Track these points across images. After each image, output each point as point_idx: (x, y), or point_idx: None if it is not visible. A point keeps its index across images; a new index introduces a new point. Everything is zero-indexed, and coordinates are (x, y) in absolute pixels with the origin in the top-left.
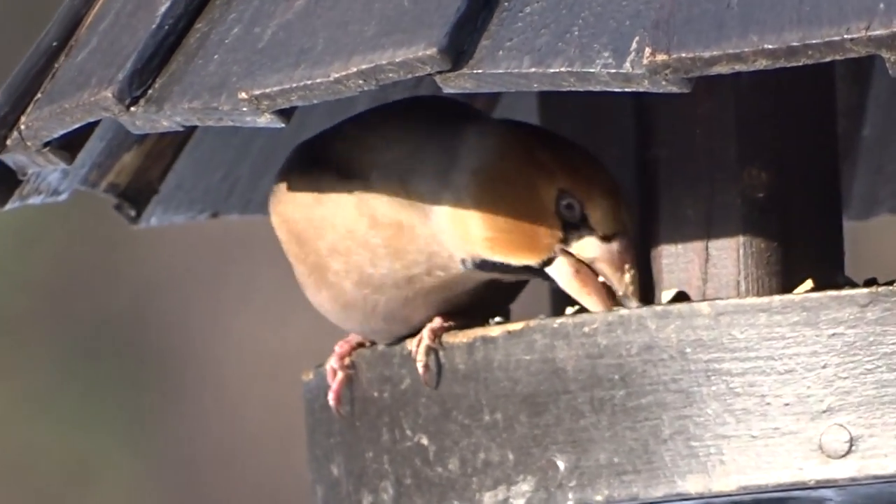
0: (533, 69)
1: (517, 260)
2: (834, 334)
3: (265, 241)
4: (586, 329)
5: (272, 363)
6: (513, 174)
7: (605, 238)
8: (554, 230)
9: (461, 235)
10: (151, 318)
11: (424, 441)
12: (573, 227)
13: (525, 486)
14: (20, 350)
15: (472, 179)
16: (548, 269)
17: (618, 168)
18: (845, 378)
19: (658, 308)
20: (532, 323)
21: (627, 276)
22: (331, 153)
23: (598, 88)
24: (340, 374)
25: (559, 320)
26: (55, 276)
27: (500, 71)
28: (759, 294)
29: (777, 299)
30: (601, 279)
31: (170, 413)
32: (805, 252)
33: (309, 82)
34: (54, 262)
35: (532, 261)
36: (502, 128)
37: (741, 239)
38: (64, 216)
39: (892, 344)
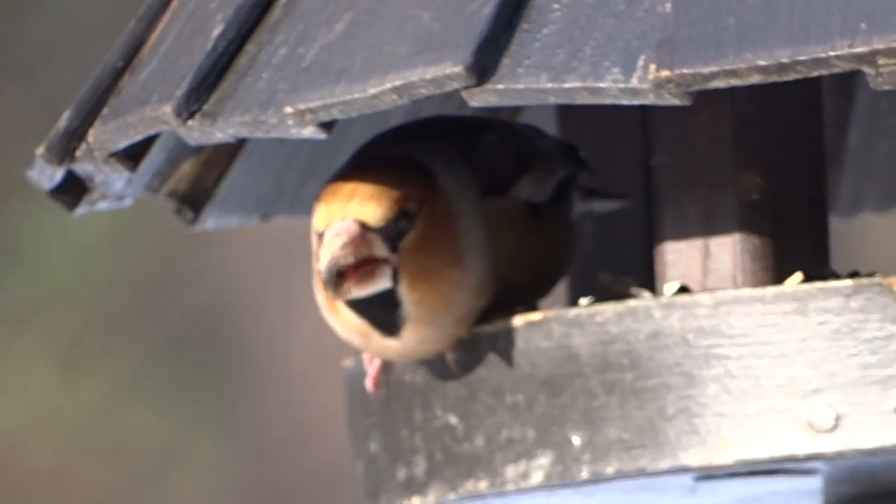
0: (550, 84)
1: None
2: (821, 322)
3: None
4: (599, 318)
5: (338, 352)
6: None
7: (320, 235)
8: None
9: None
10: (230, 312)
11: (453, 420)
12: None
13: (544, 460)
14: (111, 344)
15: None
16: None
17: (626, 173)
18: (832, 361)
19: (663, 299)
20: (550, 313)
21: (324, 253)
22: None
23: (608, 101)
24: (377, 361)
25: (574, 311)
26: (143, 275)
27: (521, 86)
28: (754, 286)
29: (770, 290)
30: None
31: (248, 399)
32: (795, 248)
33: (348, 98)
34: (141, 261)
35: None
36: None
37: (737, 236)
38: (149, 219)
39: (874, 330)
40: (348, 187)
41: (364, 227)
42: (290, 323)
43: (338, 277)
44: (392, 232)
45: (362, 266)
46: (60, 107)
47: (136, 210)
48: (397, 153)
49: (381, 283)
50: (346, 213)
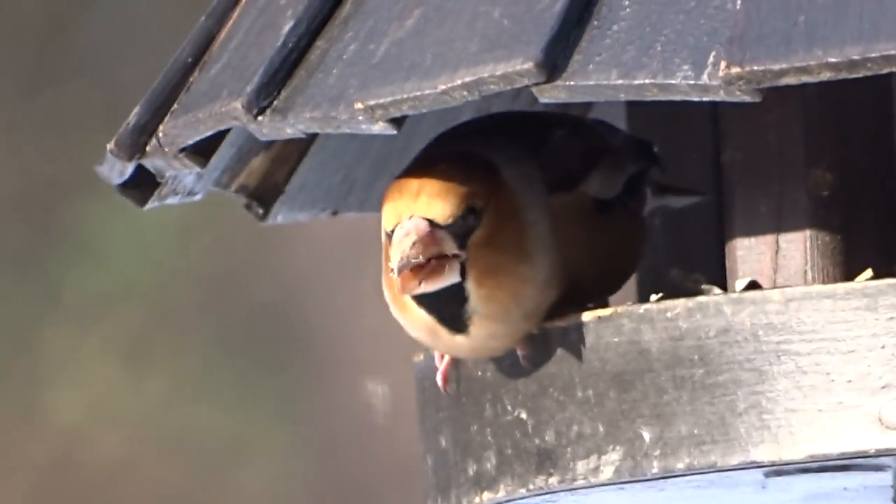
0: (620, 81)
1: None
2: (891, 318)
3: None
4: (669, 314)
5: (406, 347)
6: None
7: (389, 234)
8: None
9: None
10: (297, 307)
11: (524, 415)
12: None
13: (614, 456)
14: (178, 338)
15: None
16: None
17: (696, 169)
18: None
19: (733, 295)
20: (620, 309)
21: (395, 253)
22: None
23: (678, 98)
24: (447, 357)
25: (644, 306)
26: (210, 270)
27: (591, 83)
28: (824, 282)
29: (841, 287)
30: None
31: (314, 393)
32: (865, 244)
33: (418, 93)
34: (209, 256)
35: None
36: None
37: (808, 233)
38: (216, 215)
39: None
40: (415, 185)
41: (432, 224)
42: (357, 318)
43: (408, 274)
44: (460, 229)
45: (431, 263)
46: (128, 103)
47: (202, 205)
48: (463, 149)
49: (450, 279)
50: (414, 212)
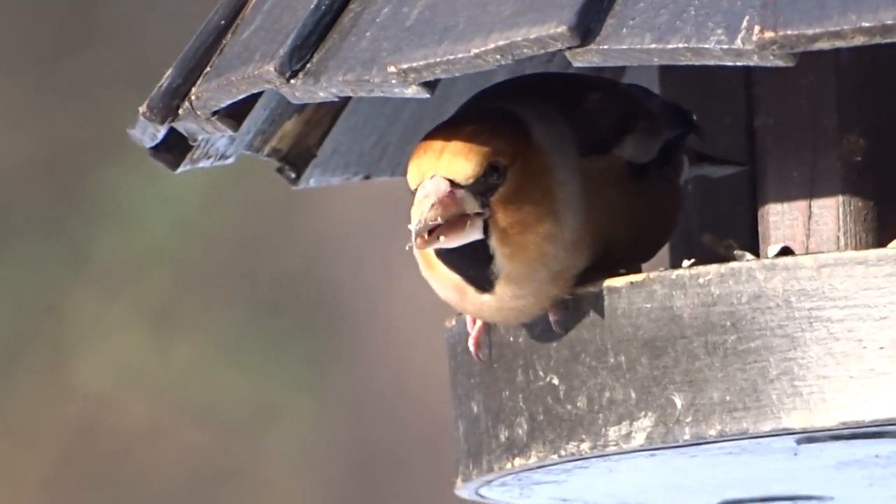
0: (653, 45)
1: None
2: None
3: None
4: (701, 280)
5: (437, 312)
6: None
7: (413, 192)
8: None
9: None
10: (326, 273)
11: (555, 381)
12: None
13: (646, 422)
14: (207, 303)
15: None
16: None
17: (729, 135)
18: None
19: (766, 261)
20: (652, 274)
21: (415, 214)
22: None
23: (712, 62)
24: (479, 323)
25: (677, 272)
26: (239, 235)
27: (624, 47)
28: (856, 248)
29: (873, 253)
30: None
31: (344, 360)
32: None
33: (451, 57)
34: (238, 221)
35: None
36: None
37: (840, 198)
38: (245, 178)
39: None
40: (438, 143)
41: (453, 184)
42: (388, 283)
43: (429, 232)
44: (482, 187)
45: (448, 223)
46: (155, 66)
47: (232, 169)
48: (494, 107)
49: (472, 235)
50: (436, 170)
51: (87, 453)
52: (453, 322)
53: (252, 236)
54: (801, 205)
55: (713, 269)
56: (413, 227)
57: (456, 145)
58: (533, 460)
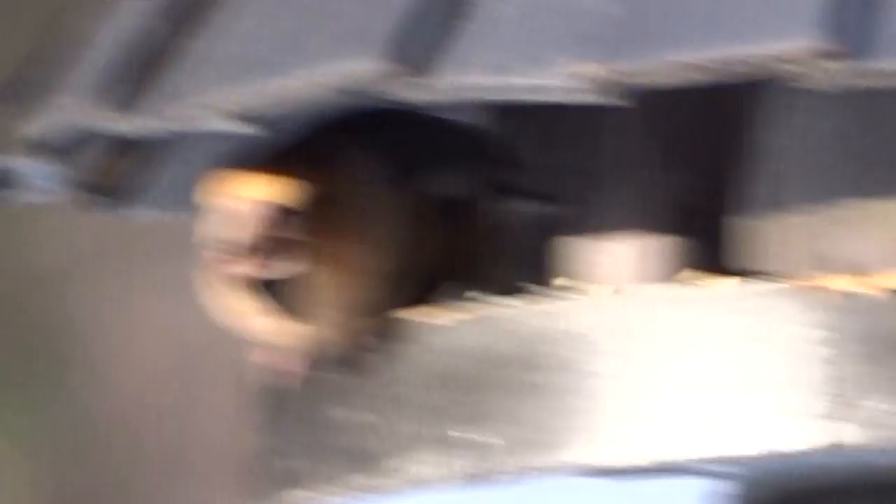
0: (485, 80)
1: None
2: (730, 322)
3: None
4: (507, 314)
5: (149, 349)
6: None
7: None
8: None
9: None
10: (41, 294)
11: (345, 414)
12: None
13: (436, 457)
14: None
15: None
16: None
17: (549, 171)
18: (731, 362)
19: (559, 294)
20: (451, 309)
21: (220, 235)
22: None
23: (540, 99)
24: (274, 353)
25: (483, 307)
26: None
27: (451, 82)
28: (663, 284)
29: (681, 289)
30: None
31: (49, 400)
32: (711, 248)
33: (268, 91)
34: None
35: None
36: None
37: (650, 235)
38: None
39: (782, 329)
40: (252, 171)
41: (268, 208)
42: (95, 316)
43: (241, 260)
44: (293, 215)
45: (265, 249)
46: None
47: None
48: (306, 139)
49: (286, 266)
50: (250, 194)
51: None
52: (248, 351)
53: None
54: (610, 239)
55: (518, 303)
56: (219, 246)
57: (270, 172)
58: (315, 494)
